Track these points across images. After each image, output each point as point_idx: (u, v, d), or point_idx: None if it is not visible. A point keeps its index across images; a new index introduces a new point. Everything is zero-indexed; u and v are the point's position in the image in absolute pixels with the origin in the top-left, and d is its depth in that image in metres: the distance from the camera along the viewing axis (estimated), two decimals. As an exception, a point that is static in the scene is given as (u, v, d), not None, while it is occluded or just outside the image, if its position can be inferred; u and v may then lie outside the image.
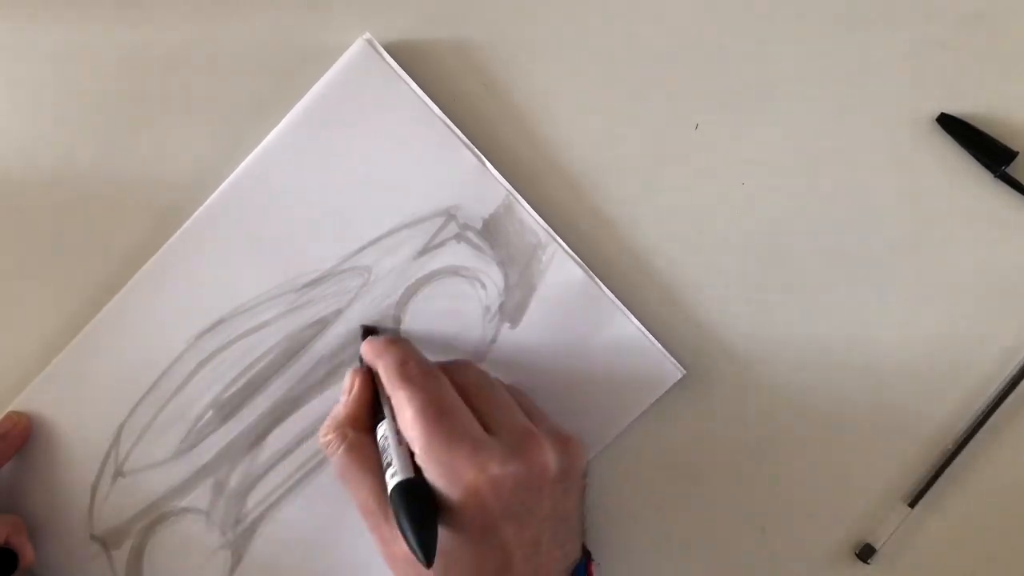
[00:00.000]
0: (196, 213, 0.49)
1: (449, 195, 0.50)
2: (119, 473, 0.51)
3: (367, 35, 0.48)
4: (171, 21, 0.49)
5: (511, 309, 0.50)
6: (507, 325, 0.51)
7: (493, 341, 0.51)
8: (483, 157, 0.49)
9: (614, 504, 0.53)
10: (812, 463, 0.52)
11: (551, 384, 0.51)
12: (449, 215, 0.50)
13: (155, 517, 0.52)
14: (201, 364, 0.51)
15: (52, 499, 0.51)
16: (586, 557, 0.46)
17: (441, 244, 0.50)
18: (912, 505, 0.52)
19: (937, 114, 0.50)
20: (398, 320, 0.51)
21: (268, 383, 0.51)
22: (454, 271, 0.50)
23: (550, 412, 0.48)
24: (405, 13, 0.49)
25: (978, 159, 0.50)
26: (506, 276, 0.50)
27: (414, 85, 0.49)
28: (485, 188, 0.49)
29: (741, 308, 0.51)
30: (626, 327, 0.50)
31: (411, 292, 0.50)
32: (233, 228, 0.49)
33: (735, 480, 0.53)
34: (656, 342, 0.50)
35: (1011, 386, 0.51)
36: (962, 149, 0.50)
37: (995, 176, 0.50)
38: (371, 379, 0.46)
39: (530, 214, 0.50)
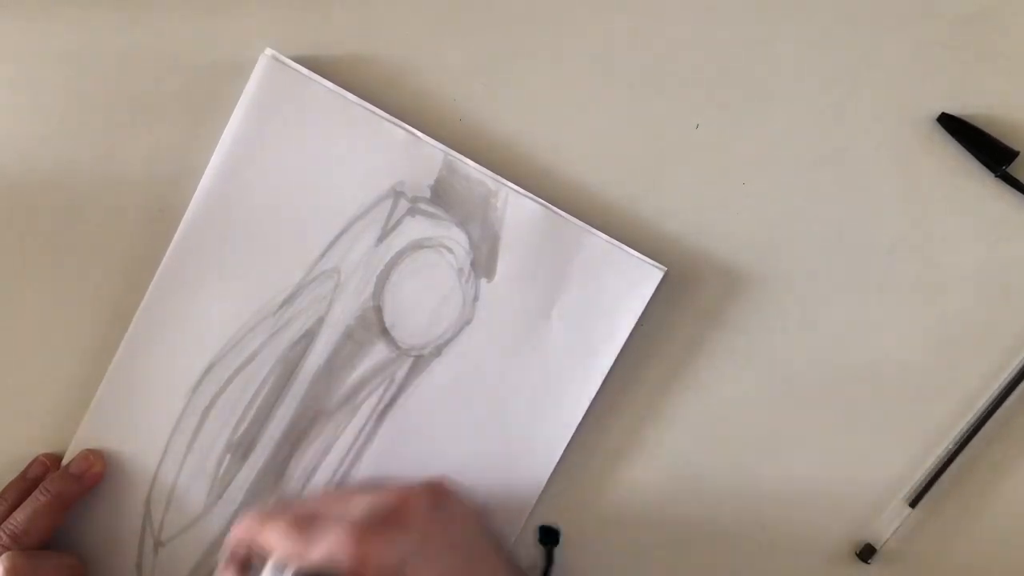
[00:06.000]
0: (160, 266, 0.50)
1: (390, 174, 0.50)
2: (159, 544, 0.51)
3: (268, 51, 0.49)
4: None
5: (483, 263, 0.50)
6: (484, 280, 0.50)
7: (476, 299, 0.50)
8: (410, 128, 0.49)
9: (615, 503, 0.52)
10: (812, 462, 0.52)
11: (542, 322, 0.50)
12: (396, 193, 0.50)
13: (205, 574, 0.51)
14: (205, 413, 0.51)
15: (100, 586, 0.51)
16: None
17: (398, 223, 0.50)
18: (913, 505, 0.52)
19: (938, 114, 0.50)
20: (379, 310, 0.51)
21: (274, 410, 0.51)
22: (418, 245, 0.50)
23: (546, 352, 0.50)
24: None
25: (979, 159, 0.50)
26: (469, 234, 0.50)
27: (326, 82, 0.49)
28: (422, 156, 0.50)
29: (740, 309, 0.51)
30: (596, 244, 0.50)
31: (383, 279, 0.50)
32: (198, 271, 0.50)
33: (735, 479, 0.52)
34: (629, 248, 0.50)
35: (1011, 386, 0.51)
36: (963, 149, 0.50)
37: (996, 176, 0.50)
38: (239, 563, 0.45)
39: (472, 167, 0.50)
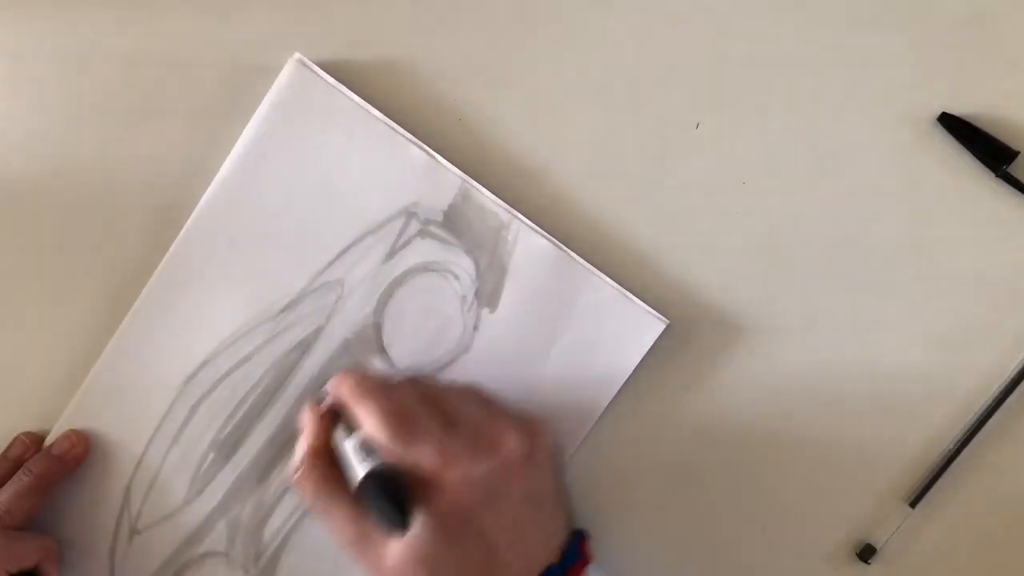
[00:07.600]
0: (164, 259, 0.50)
1: (405, 194, 0.50)
2: (134, 532, 0.51)
3: (297, 55, 0.49)
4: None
5: (487, 294, 0.50)
6: (486, 310, 0.51)
7: (475, 328, 0.51)
8: (431, 151, 0.49)
9: (615, 503, 0.53)
10: (812, 463, 0.52)
11: (539, 360, 0.51)
12: (409, 213, 0.50)
13: (177, 568, 0.51)
14: (194, 409, 0.51)
15: (71, 570, 0.51)
16: (579, 535, 0.46)
17: (407, 243, 0.50)
18: (913, 505, 0.52)
19: (938, 113, 0.50)
20: (378, 327, 0.51)
21: (263, 414, 0.51)
22: (425, 267, 0.50)
23: (541, 389, 0.49)
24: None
25: (979, 158, 0.50)
26: (476, 263, 0.50)
27: (352, 94, 0.49)
28: (439, 180, 0.50)
29: (741, 307, 0.51)
30: (602, 289, 0.50)
31: (386, 297, 0.51)
32: (202, 267, 0.50)
33: (735, 480, 0.52)
34: (634, 297, 0.50)
35: (1011, 386, 0.51)
36: (963, 148, 0.50)
37: (996, 175, 0.50)
38: (327, 413, 0.45)
39: (487, 197, 0.50)
